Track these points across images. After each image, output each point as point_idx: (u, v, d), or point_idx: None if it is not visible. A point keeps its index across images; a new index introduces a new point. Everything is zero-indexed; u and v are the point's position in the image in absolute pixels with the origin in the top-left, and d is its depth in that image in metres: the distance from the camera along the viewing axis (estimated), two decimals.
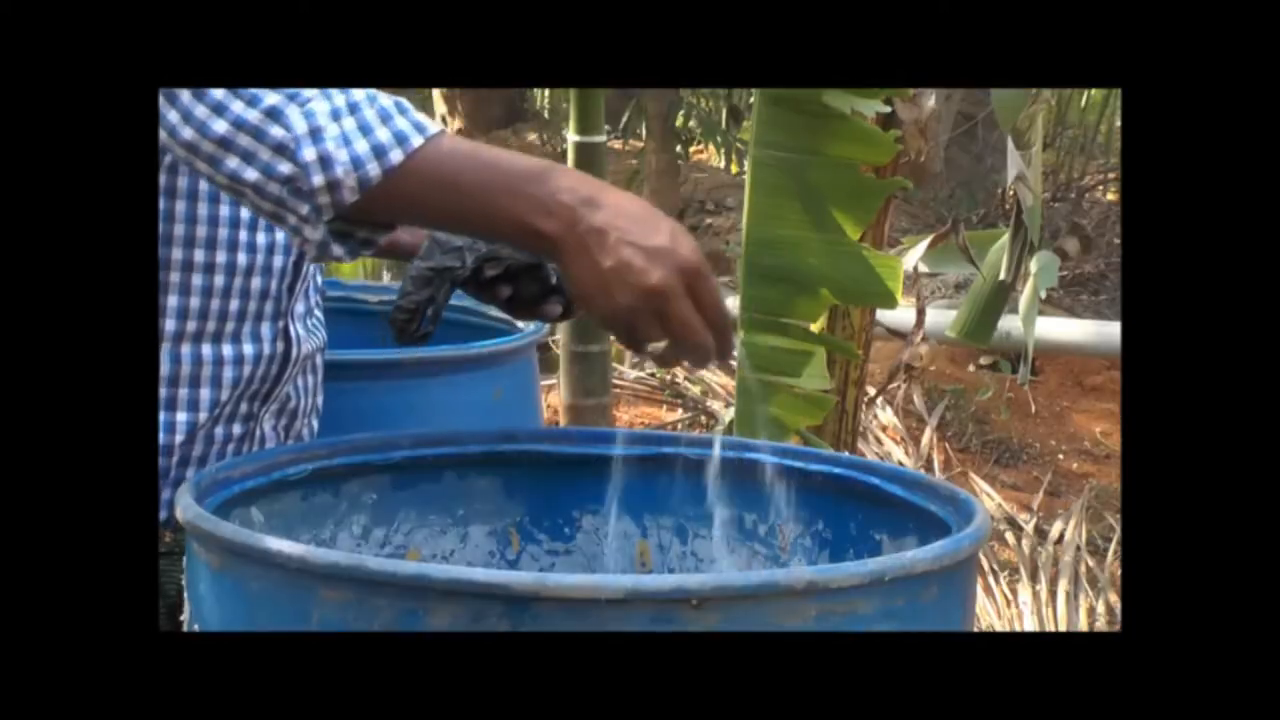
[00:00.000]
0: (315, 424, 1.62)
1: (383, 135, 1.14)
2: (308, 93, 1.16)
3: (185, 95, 1.17)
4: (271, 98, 1.15)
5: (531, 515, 1.49)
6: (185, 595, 1.17)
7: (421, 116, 1.17)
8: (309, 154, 1.14)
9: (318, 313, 1.61)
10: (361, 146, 1.14)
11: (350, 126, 1.14)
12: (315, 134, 1.14)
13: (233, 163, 1.16)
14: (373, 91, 1.18)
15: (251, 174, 1.16)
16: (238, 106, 1.16)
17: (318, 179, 1.14)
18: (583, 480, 1.49)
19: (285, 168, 1.15)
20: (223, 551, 1.08)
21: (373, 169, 1.13)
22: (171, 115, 1.18)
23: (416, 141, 1.14)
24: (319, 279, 1.62)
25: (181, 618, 1.19)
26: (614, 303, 1.12)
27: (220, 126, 1.16)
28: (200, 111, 1.17)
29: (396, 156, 1.14)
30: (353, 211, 1.16)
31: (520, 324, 2.30)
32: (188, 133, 1.18)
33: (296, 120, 1.14)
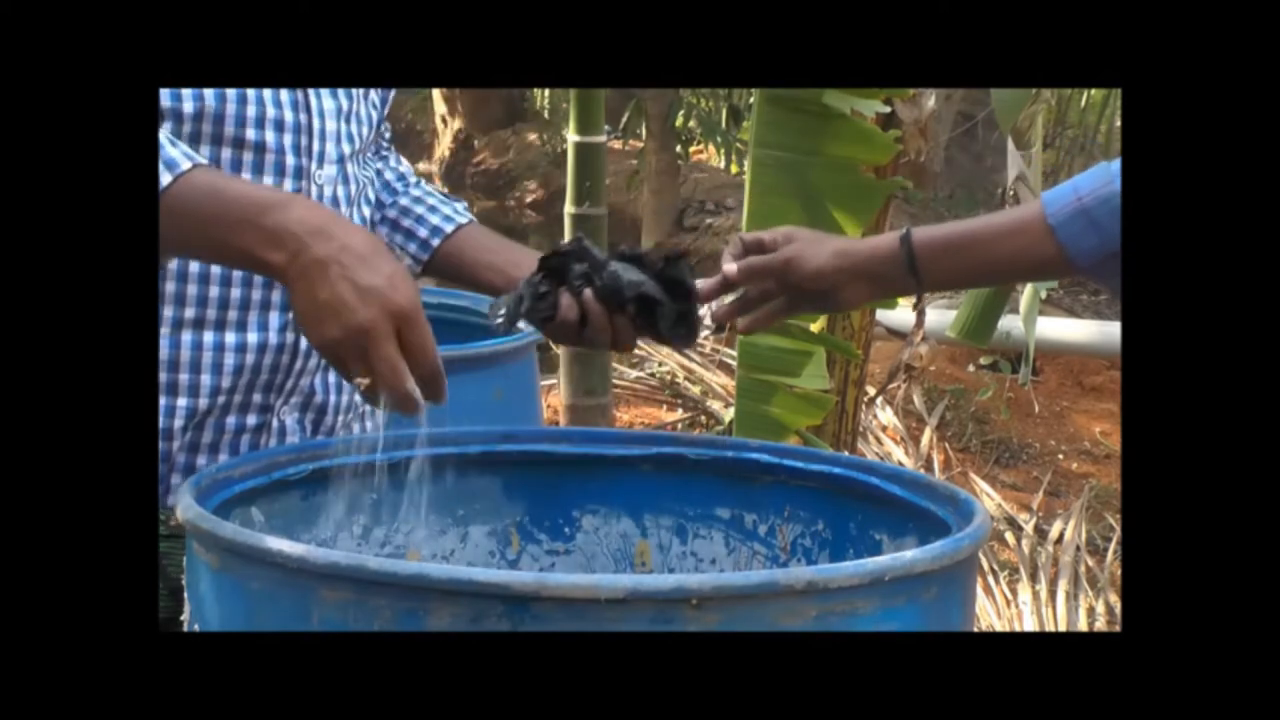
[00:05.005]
0: (368, 428, 1.60)
1: None
2: None
3: None
4: None
5: (531, 515, 1.49)
6: (185, 585, 1.17)
7: (175, 152, 1.23)
8: None
9: None
10: None
11: None
12: None
13: None
14: None
15: None
16: None
17: None
18: (583, 480, 1.49)
19: None
20: (223, 551, 1.08)
21: None
22: None
23: (165, 180, 1.21)
24: None
25: (183, 618, 1.19)
26: (322, 334, 1.18)
27: None
28: None
29: None
30: None
31: (521, 324, 2.30)
32: None
33: None
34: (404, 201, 1.67)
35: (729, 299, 1.49)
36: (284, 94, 1.43)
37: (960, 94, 8.08)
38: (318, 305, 1.17)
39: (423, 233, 1.64)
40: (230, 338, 1.44)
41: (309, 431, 1.53)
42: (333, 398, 1.54)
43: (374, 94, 1.57)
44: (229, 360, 1.44)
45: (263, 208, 1.20)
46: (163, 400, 1.43)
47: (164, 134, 1.24)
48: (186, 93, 1.37)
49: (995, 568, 3.81)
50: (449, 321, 2.59)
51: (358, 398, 1.58)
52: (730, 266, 1.44)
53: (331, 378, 1.54)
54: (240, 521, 1.26)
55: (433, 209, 1.65)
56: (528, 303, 1.38)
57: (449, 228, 1.64)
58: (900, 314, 3.19)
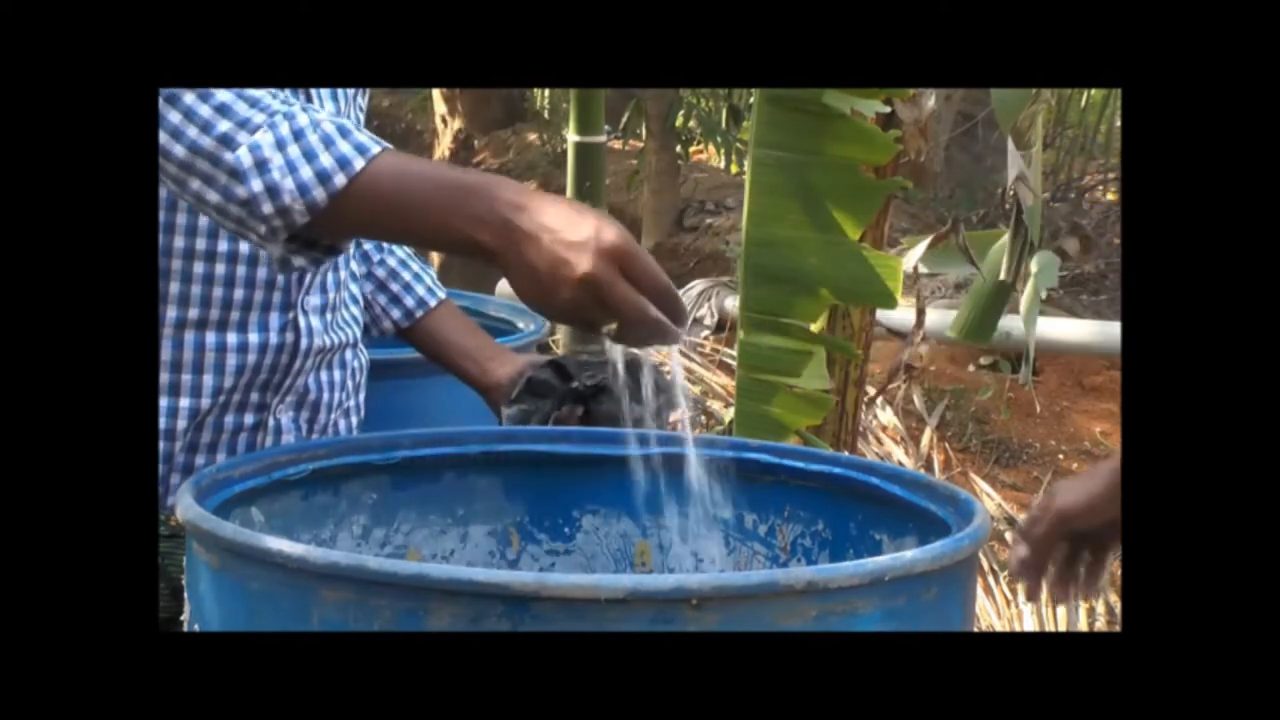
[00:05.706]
0: (353, 422, 1.62)
1: (326, 161, 1.21)
2: (256, 118, 1.23)
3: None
4: (223, 124, 1.23)
5: (531, 515, 1.49)
6: (185, 586, 1.17)
7: (363, 137, 1.23)
8: (256, 185, 1.21)
9: (353, 309, 1.61)
10: (306, 173, 1.21)
11: (295, 154, 1.21)
12: (261, 166, 1.21)
13: (195, 185, 1.24)
14: (316, 116, 1.24)
15: (213, 196, 1.24)
16: (193, 132, 1.23)
17: (267, 207, 1.21)
18: (583, 480, 1.49)
19: (241, 191, 1.22)
20: (223, 551, 1.09)
21: (319, 194, 1.21)
22: None
23: (359, 165, 1.21)
24: (351, 279, 1.62)
25: (183, 618, 1.19)
26: (556, 299, 1.19)
27: (179, 151, 1.23)
28: (161, 137, 1.24)
29: (340, 180, 1.21)
30: (306, 230, 1.23)
31: (520, 324, 2.30)
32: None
33: (244, 153, 1.21)
34: (391, 262, 1.75)
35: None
36: (286, 94, 1.43)
37: (960, 94, 8.07)
38: (539, 277, 1.18)
39: (409, 302, 1.74)
40: (232, 338, 1.45)
41: (304, 430, 1.53)
42: (326, 395, 1.55)
43: (359, 96, 1.57)
44: (231, 360, 1.45)
45: (465, 191, 1.21)
46: (166, 401, 1.43)
47: (344, 119, 1.26)
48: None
49: (995, 568, 3.81)
50: None
51: (347, 393, 1.58)
52: (1020, 550, 1.42)
53: (324, 376, 1.54)
54: (240, 521, 1.26)
55: (417, 277, 1.74)
56: (537, 419, 1.58)
57: (431, 302, 1.74)
58: (900, 314, 3.19)
